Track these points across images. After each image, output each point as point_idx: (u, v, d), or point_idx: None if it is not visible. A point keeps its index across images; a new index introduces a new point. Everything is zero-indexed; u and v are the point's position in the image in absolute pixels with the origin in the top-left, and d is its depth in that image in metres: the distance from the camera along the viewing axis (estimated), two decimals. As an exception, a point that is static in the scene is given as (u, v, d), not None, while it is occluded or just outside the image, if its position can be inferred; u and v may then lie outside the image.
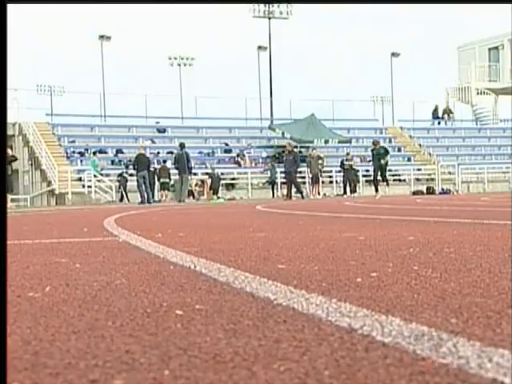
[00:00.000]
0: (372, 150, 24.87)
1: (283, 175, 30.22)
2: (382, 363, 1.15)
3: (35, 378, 1.13)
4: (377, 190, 23.97)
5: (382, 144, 38.17)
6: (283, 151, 32.13)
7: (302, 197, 24.81)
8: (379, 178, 24.14)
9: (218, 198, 28.12)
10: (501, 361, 1.13)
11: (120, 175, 27.92)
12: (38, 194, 31.65)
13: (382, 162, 23.59)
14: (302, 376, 1.08)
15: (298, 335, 1.38)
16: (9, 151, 26.77)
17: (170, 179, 27.83)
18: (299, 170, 27.44)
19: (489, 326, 1.43)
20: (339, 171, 30.34)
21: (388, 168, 26.19)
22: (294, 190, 25.46)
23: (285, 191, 29.71)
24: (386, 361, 1.16)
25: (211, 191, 28.77)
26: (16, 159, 26.03)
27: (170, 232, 5.37)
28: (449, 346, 1.24)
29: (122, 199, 26.92)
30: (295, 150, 28.79)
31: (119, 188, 27.69)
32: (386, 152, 24.58)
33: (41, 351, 1.32)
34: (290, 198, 25.03)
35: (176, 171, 25.89)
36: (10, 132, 34.08)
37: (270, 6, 43.48)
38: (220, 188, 29.99)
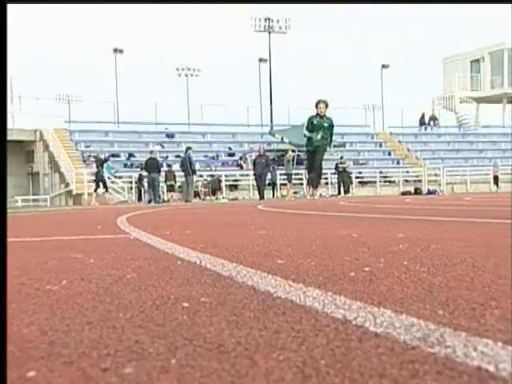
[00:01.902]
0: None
1: (284, 176, 30.38)
2: (374, 352, 1.14)
3: (50, 366, 1.12)
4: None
5: (373, 148, 38.42)
6: (282, 155, 32.22)
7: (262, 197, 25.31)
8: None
9: (222, 198, 28.18)
10: (485, 350, 1.13)
11: (139, 177, 27.92)
12: (57, 194, 31.85)
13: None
14: (300, 365, 1.07)
15: (296, 326, 1.37)
16: (101, 156, 26.97)
17: (175, 181, 27.92)
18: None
19: (473, 317, 1.42)
20: (334, 173, 30.43)
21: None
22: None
23: (284, 191, 29.84)
24: (378, 350, 1.15)
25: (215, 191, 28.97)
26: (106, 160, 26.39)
27: (177, 230, 5.37)
28: (436, 336, 1.23)
29: (140, 199, 26.94)
30: (267, 153, 29.03)
31: (138, 188, 27.72)
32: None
33: (56, 341, 1.31)
34: (263, 198, 25.28)
35: (182, 173, 26.09)
36: (31, 138, 34.32)
37: (270, 21, 43.78)
38: (224, 189, 30.11)
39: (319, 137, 16.09)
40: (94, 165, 27.76)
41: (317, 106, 16.39)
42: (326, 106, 16.39)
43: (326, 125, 16.30)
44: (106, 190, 26.86)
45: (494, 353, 1.11)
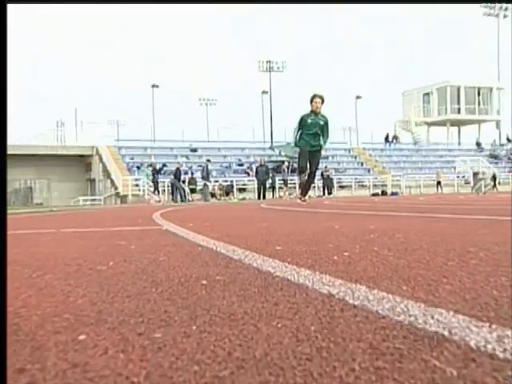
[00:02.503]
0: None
1: (281, 181, 30.43)
2: (353, 320, 1.10)
3: (97, 331, 1.09)
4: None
5: (350, 159, 38.34)
6: (280, 165, 32.28)
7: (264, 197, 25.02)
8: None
9: (234, 198, 28.23)
10: (440, 318, 1.10)
11: (172, 183, 27.94)
12: (109, 195, 32.02)
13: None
14: (294, 331, 1.04)
15: (291, 299, 1.33)
16: (157, 166, 27.07)
17: (196, 186, 28.06)
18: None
19: (430, 292, 1.38)
20: (319, 179, 30.55)
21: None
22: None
23: (281, 193, 29.88)
24: (356, 318, 1.12)
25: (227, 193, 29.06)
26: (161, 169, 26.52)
27: (198, 223, 5.34)
28: (402, 307, 1.20)
29: (174, 199, 26.97)
30: (268, 164, 28.85)
31: (171, 192, 27.73)
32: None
33: (103, 310, 1.28)
34: (264, 197, 25.10)
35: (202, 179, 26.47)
36: (89, 152, 34.63)
37: (271, 63, 44.31)
38: (234, 191, 30.21)
39: (314, 137, 11.07)
40: (150, 172, 27.85)
41: (312, 102, 10.96)
42: (322, 102, 11.03)
43: (321, 123, 11.07)
44: (159, 193, 26.94)
45: (448, 320, 1.08)
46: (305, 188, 11.98)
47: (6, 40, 1.47)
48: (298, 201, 11.73)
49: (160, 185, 28.07)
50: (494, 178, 34.32)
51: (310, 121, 11.08)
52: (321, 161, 12.02)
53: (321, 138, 11.27)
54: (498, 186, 33.98)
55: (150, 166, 28.66)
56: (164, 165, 29.01)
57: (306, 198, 12.04)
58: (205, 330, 1.06)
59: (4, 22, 1.44)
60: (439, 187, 33.89)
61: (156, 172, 27.20)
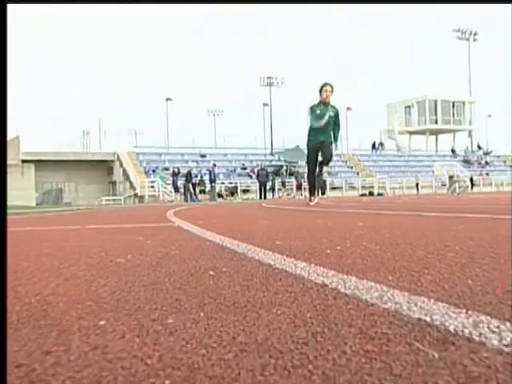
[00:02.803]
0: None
1: (280, 183, 30.44)
2: (345, 308, 1.09)
3: (116, 317, 1.07)
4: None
5: (341, 164, 38.34)
6: (279, 169, 32.29)
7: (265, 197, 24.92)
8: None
9: (238, 198, 28.25)
10: (423, 305, 1.08)
11: (184, 185, 27.98)
12: (128, 195, 32.07)
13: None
14: (292, 317, 1.02)
15: (289, 289, 1.31)
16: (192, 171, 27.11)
17: (205, 187, 28.10)
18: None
19: (413, 281, 1.36)
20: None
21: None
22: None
23: (280, 194, 29.88)
24: (347, 306, 1.10)
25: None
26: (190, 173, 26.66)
27: (206, 220, 5.33)
28: (388, 296, 1.18)
29: (186, 199, 27.00)
30: (269, 168, 28.80)
31: (183, 193, 27.76)
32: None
33: (121, 298, 1.26)
34: (265, 198, 25.05)
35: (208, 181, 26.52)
36: (111, 158, 34.78)
37: (271, 78, 44.62)
38: (239, 192, 30.22)
39: (323, 131, 8.80)
40: (165, 176, 27.93)
41: (321, 91, 8.74)
42: (332, 91, 8.80)
43: (331, 114, 8.81)
44: (178, 193, 26.99)
45: (429, 307, 1.06)
46: (313, 188, 9.88)
47: (6, 40, 1.38)
48: (310, 203, 9.59)
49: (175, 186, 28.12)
50: (471, 180, 34.77)
51: (318, 112, 8.80)
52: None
53: (331, 132, 8.95)
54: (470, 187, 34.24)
55: (167, 169, 28.75)
56: (191, 170, 29.09)
57: (316, 199, 9.96)
58: (212, 317, 1.04)
59: (4, 22, 1.34)
60: (418, 188, 34.18)
61: (174, 175, 27.25)
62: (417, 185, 34.59)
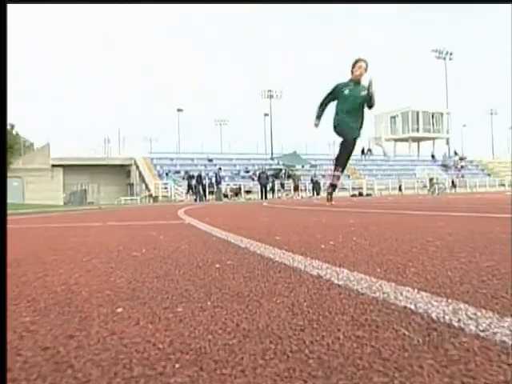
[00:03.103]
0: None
1: (279, 185, 30.43)
2: (337, 297, 1.07)
3: (132, 305, 1.06)
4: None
5: (331, 167, 38.15)
6: (278, 172, 32.28)
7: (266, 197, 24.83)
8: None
9: (242, 198, 28.22)
10: (408, 294, 1.06)
11: (195, 186, 27.89)
12: (143, 196, 32.06)
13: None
14: (290, 306, 1.01)
15: (287, 280, 1.30)
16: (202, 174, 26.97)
17: (214, 188, 28.06)
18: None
19: (398, 273, 1.35)
20: (310, 183, 30.57)
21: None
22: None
23: (279, 194, 29.86)
24: (340, 296, 1.08)
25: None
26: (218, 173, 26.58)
27: (213, 218, 5.31)
28: (377, 286, 1.16)
29: (196, 199, 26.96)
30: (269, 171, 28.75)
31: (194, 193, 27.70)
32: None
33: (136, 288, 1.24)
34: (266, 198, 25.01)
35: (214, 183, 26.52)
36: (129, 162, 34.86)
37: (271, 91, 44.77)
38: (242, 193, 30.20)
39: (356, 117, 6.53)
40: (187, 179, 27.86)
41: (354, 67, 6.40)
42: (366, 69, 6.42)
43: (362, 94, 6.37)
44: (194, 194, 26.87)
45: (413, 296, 1.05)
46: (334, 189, 7.93)
47: (6, 40, 1.29)
48: (327, 204, 7.91)
49: (186, 188, 28.11)
50: (452, 182, 35.04)
51: (347, 92, 6.38)
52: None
53: (360, 120, 6.58)
54: (448, 188, 34.32)
55: (178, 172, 28.74)
56: (200, 173, 29.02)
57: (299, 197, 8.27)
58: (217, 305, 1.03)
59: (4, 22, 1.24)
60: (401, 190, 34.24)
61: (189, 178, 27.21)
62: (399, 186, 34.63)
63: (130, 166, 35.27)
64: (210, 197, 27.64)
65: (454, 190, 33.58)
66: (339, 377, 0.64)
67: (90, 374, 0.67)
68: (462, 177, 40.79)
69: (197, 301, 1.08)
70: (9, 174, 23.13)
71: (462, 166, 43.95)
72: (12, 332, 0.87)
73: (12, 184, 27.41)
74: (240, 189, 30.31)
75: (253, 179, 33.15)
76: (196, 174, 27.58)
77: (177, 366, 0.69)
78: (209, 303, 1.05)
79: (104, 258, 1.88)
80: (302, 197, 28.64)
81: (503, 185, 39.13)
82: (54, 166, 30.21)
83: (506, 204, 6.80)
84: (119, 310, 1.01)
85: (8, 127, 26.00)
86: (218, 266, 1.60)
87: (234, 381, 0.63)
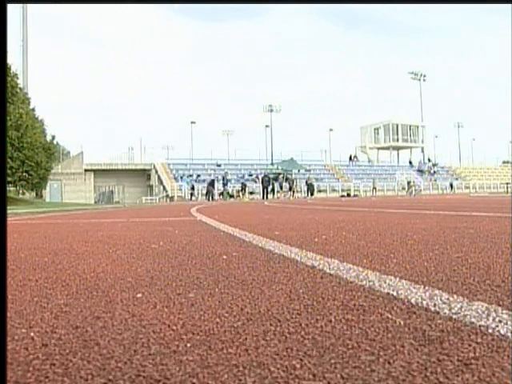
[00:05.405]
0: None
1: (278, 187, 30.37)
2: (329, 285, 1.05)
3: (150, 291, 1.04)
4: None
5: (325, 172, 38.20)
6: (277, 176, 32.26)
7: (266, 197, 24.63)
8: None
9: (246, 198, 28.18)
10: (391, 282, 1.05)
11: (207, 188, 27.66)
12: (161, 196, 32.05)
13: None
14: (288, 292, 0.99)
15: (285, 269, 1.28)
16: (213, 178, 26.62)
17: (223, 190, 27.98)
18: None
19: (382, 263, 1.33)
20: (304, 185, 30.53)
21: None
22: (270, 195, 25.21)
23: (279, 195, 29.80)
24: (331, 283, 1.07)
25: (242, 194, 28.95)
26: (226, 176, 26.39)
27: (221, 215, 5.30)
28: (363, 275, 1.15)
29: (208, 200, 26.87)
30: (270, 174, 28.60)
31: (207, 194, 27.54)
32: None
33: (154, 276, 1.23)
34: (267, 198, 24.89)
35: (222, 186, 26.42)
36: (149, 167, 34.82)
37: (271, 106, 45.06)
38: (246, 193, 30.15)
39: None
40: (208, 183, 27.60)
41: None
42: None
43: None
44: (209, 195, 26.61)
45: (395, 284, 1.03)
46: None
47: (6, 40, 1.18)
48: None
49: (197, 190, 28.06)
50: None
51: None
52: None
53: None
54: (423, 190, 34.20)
55: (191, 176, 28.65)
56: (218, 177, 28.83)
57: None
58: (224, 292, 1.01)
59: (4, 22, 1.13)
60: (374, 191, 34.20)
61: (210, 184, 26.94)
62: (374, 188, 34.63)
63: (150, 170, 35.31)
64: (217, 197, 27.60)
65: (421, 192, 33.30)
66: (331, 355, 0.62)
67: (113, 351, 0.66)
68: (435, 180, 40.82)
69: (206, 287, 1.07)
70: (50, 177, 23.30)
71: (434, 172, 44.03)
72: (49, 312, 0.86)
73: (53, 186, 27.70)
74: (245, 185, 30.23)
75: (255, 182, 33.15)
76: (209, 179, 27.56)
77: (188, 345, 0.68)
78: (217, 290, 1.04)
79: (127, 250, 1.87)
80: (297, 197, 28.59)
81: (468, 187, 39.49)
82: (86, 170, 30.66)
83: (471, 204, 6.77)
84: (139, 295, 1.00)
85: (49, 138, 26.11)
86: (225, 257, 1.59)
87: (238, 359, 0.62)
